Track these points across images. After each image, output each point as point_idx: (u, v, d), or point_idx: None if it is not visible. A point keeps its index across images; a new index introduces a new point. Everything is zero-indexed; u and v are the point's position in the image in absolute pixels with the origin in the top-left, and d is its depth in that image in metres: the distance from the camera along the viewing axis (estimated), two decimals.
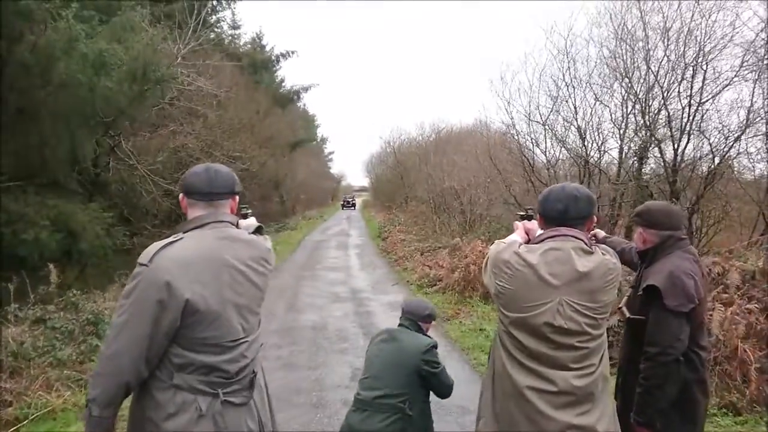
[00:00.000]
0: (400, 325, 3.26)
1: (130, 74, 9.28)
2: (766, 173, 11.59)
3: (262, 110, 22.06)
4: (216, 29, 20.30)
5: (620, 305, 3.03)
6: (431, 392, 3.12)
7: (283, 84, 30.01)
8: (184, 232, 2.03)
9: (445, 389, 3.11)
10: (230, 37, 23.84)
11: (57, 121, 8.42)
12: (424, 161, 26.07)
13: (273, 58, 25.87)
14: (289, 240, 22.16)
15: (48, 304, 6.71)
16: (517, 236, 2.40)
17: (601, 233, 3.57)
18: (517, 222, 2.56)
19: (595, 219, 2.33)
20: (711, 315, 5.86)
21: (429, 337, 3.20)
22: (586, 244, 2.17)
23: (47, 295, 6.89)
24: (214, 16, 19.81)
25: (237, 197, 2.19)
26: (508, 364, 2.17)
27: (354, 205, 57.77)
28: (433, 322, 3.35)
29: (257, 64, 23.75)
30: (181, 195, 2.13)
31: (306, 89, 29.81)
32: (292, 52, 26.07)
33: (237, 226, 2.15)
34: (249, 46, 25.47)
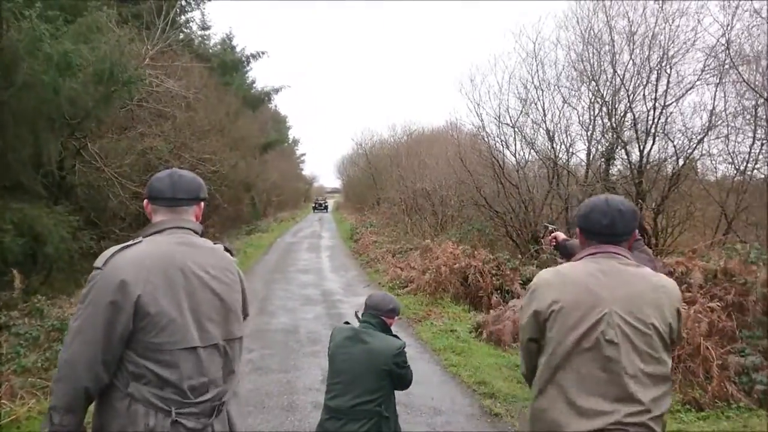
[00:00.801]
0: (364, 321, 3.15)
1: (96, 75, 9.12)
2: (728, 175, 11.93)
3: (232, 112, 21.85)
4: (185, 30, 20.05)
5: None
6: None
7: (254, 85, 29.80)
8: (145, 237, 2.01)
9: (406, 384, 3.08)
10: (200, 38, 23.56)
11: (21, 123, 8.24)
12: (396, 163, 26.15)
13: (243, 59, 25.63)
14: (261, 243, 22.02)
15: (12, 309, 6.57)
16: None
17: (561, 235, 3.65)
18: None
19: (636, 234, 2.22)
20: None
21: (397, 337, 3.14)
22: (629, 260, 2.06)
23: (11, 301, 6.76)
24: (182, 17, 19.57)
25: (202, 204, 2.15)
26: (557, 401, 1.96)
27: (326, 207, 56.14)
28: (397, 317, 3.28)
29: (227, 65, 23.51)
30: (145, 201, 2.10)
31: (277, 90, 29.62)
32: (263, 53, 25.87)
33: (201, 234, 2.10)
34: (219, 47, 25.20)
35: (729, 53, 10.22)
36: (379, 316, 3.14)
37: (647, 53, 12.18)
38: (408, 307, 9.44)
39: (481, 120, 15.18)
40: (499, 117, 14.70)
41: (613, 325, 1.91)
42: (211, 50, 23.31)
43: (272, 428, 4.75)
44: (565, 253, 3.58)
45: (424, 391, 5.54)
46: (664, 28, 11.80)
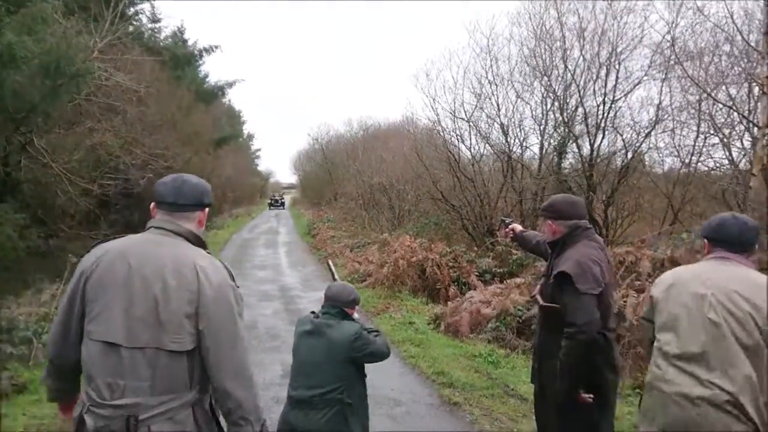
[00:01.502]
0: (324, 313, 3.12)
1: (42, 68, 8.84)
2: (674, 167, 12.38)
3: (184, 106, 21.43)
4: (134, 22, 19.53)
5: (534, 293, 3.23)
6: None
7: (207, 79, 29.24)
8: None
9: (378, 356, 3.06)
10: (150, 31, 23.00)
11: None
12: (353, 158, 26.15)
13: (196, 52, 25.14)
14: (216, 239, 21.69)
15: None
16: None
17: (518, 227, 3.77)
18: None
19: (756, 250, 2.46)
20: (625, 301, 6.22)
21: (353, 320, 3.12)
22: (741, 264, 2.33)
23: None
24: (132, 9, 19.06)
25: (206, 210, 2.14)
26: None
27: (283, 203, 52.21)
28: (358, 307, 3.27)
29: (179, 59, 23.02)
30: (152, 204, 2.09)
31: (231, 85, 29.10)
32: (216, 47, 25.40)
33: (200, 241, 2.08)
34: (170, 40, 24.66)
35: (674, 50, 10.58)
36: (340, 308, 3.13)
37: (597, 49, 12.51)
38: (367, 301, 9.47)
39: (437, 114, 15.31)
40: (454, 111, 14.87)
41: (714, 306, 2.21)
42: (162, 43, 22.80)
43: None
44: (523, 243, 3.70)
45: (384, 382, 5.59)
46: (613, 25, 12.15)
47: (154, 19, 23.30)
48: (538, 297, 3.15)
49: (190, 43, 25.58)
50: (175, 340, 1.85)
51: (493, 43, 14.13)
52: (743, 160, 10.85)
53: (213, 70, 51.64)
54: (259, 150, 62.43)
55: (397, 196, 19.35)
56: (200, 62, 26.70)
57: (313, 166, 42.53)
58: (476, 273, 10.10)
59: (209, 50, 25.25)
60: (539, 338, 3.22)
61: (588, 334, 2.68)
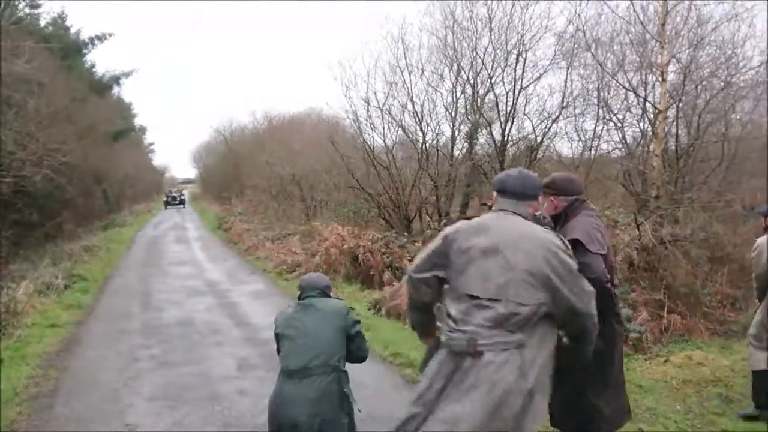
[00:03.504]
0: (307, 296, 3.24)
1: None
2: (578, 151, 13.20)
3: (78, 98, 20.13)
4: (10, 6, 18.05)
5: None
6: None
7: (95, 69, 27.48)
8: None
9: (364, 352, 3.27)
10: (28, 17, 21.35)
11: None
12: (260, 149, 25.65)
13: (87, 40, 23.61)
14: (121, 237, 20.66)
15: None
16: None
17: None
18: None
19: None
20: None
21: (340, 298, 3.32)
22: None
23: None
24: None
25: (539, 199, 2.66)
26: None
27: (183, 201, 45.23)
28: (332, 294, 3.44)
29: (70, 48, 21.53)
30: (495, 193, 2.60)
31: (127, 75, 27.59)
32: (109, 35, 24.00)
33: (537, 221, 2.55)
34: (51, 27, 22.99)
35: (585, 36, 11.22)
36: (320, 289, 3.29)
37: (505, 38, 13.02)
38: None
39: (352, 104, 15.28)
40: (367, 100, 14.87)
41: None
42: (45, 31, 21.20)
43: (202, 418, 4.61)
44: None
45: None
46: (520, 14, 12.70)
47: (33, 5, 21.67)
48: None
49: (73, 30, 23.92)
50: (519, 294, 2.30)
51: (405, 32, 14.24)
52: (639, 143, 11.77)
53: (107, 61, 48.68)
54: (152, 144, 59.56)
55: (309, 187, 19.19)
56: (90, 50, 25.12)
57: (216, 159, 41.19)
58: (408, 258, 10.29)
59: (102, 38, 23.84)
60: None
61: (599, 284, 2.97)
